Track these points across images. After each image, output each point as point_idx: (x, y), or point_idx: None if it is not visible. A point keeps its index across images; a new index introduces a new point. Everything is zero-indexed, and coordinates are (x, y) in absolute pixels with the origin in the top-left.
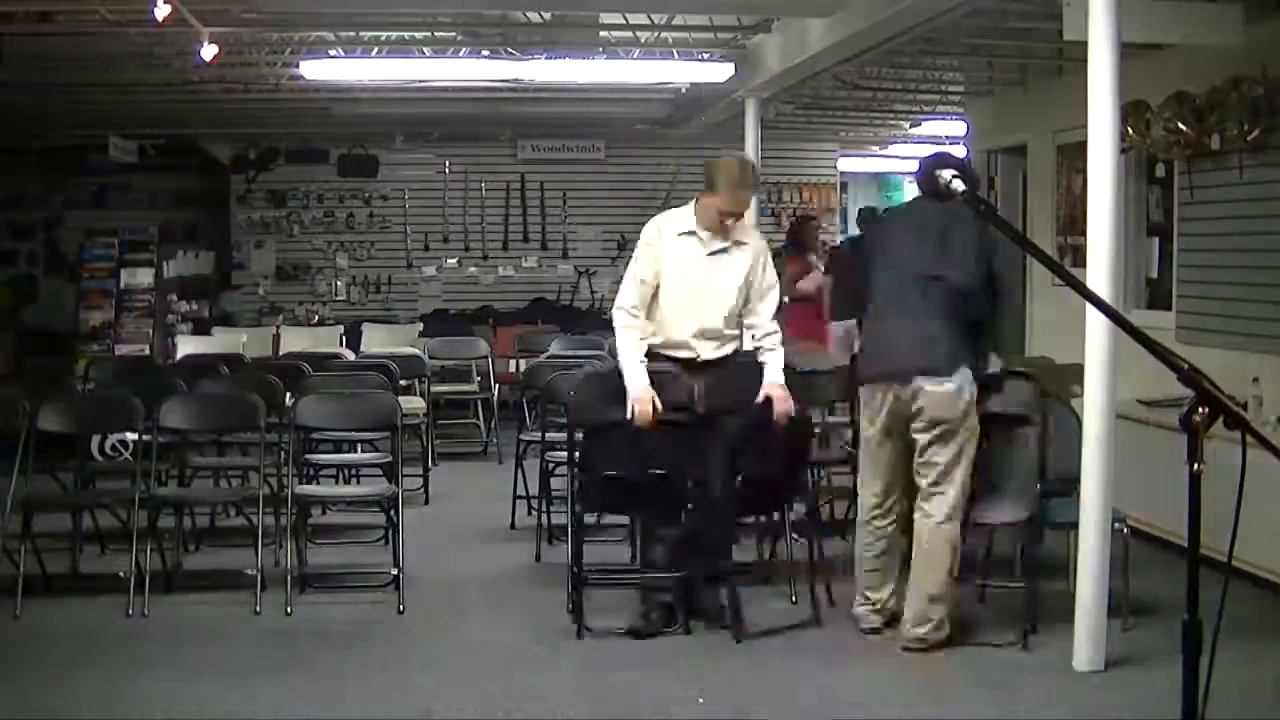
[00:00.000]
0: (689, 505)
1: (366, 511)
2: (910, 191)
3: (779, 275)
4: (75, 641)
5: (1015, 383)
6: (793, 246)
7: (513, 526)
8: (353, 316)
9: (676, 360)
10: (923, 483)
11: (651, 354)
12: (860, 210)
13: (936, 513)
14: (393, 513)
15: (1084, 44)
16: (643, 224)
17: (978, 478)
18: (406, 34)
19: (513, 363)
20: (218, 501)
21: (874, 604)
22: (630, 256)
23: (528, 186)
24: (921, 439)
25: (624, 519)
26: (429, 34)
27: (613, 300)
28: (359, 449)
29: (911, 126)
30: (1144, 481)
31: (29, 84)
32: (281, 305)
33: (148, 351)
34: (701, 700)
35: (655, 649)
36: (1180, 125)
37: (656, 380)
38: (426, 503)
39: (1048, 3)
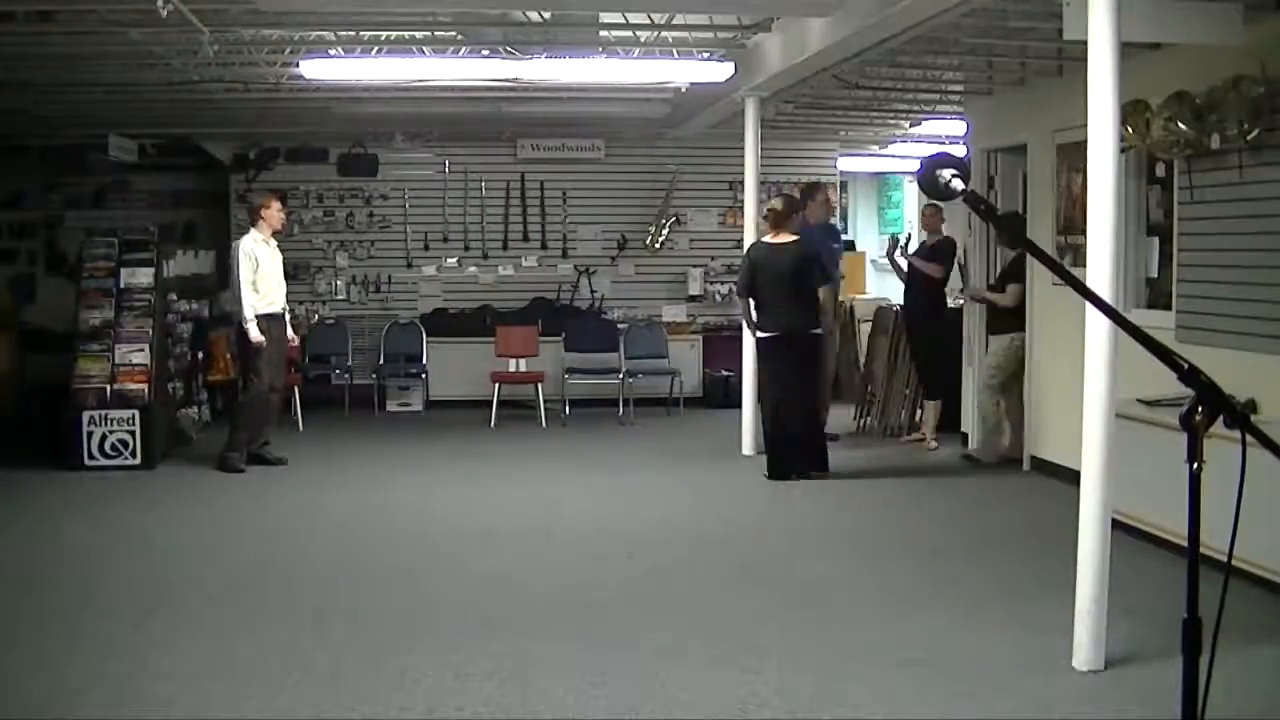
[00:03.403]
0: None
1: None
2: (910, 191)
3: None
4: None
5: None
6: None
7: None
8: (353, 316)
9: None
10: None
11: None
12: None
13: None
14: None
15: (1084, 44)
16: (642, 223)
17: None
18: (406, 34)
19: (513, 362)
20: None
21: None
22: (629, 255)
23: (528, 186)
24: None
25: None
26: (429, 34)
27: (612, 299)
28: None
29: (911, 126)
30: (1144, 481)
31: (29, 84)
32: None
33: None
34: None
35: None
36: (1180, 125)
37: None
38: None
39: (1048, 3)
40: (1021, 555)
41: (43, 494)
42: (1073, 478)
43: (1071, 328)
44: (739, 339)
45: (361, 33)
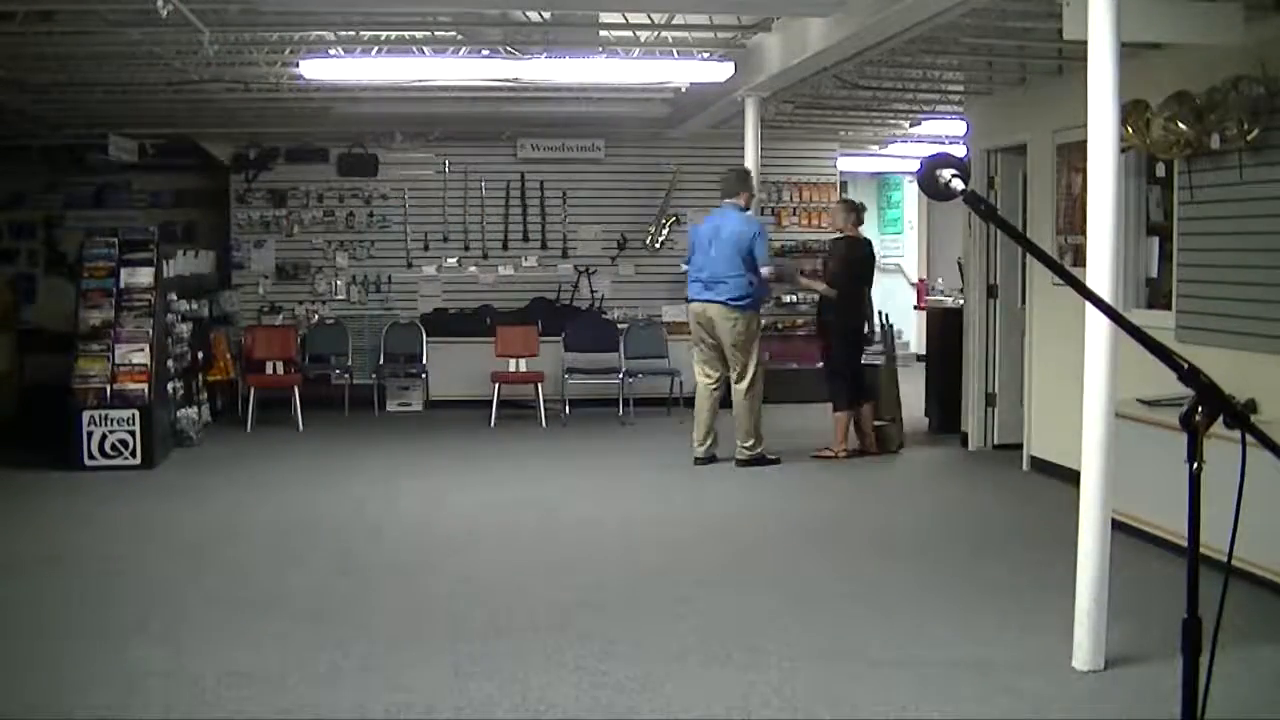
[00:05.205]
0: None
1: None
2: (910, 191)
3: None
4: None
5: None
6: None
7: None
8: (353, 316)
9: None
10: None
11: None
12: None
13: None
14: None
15: (1084, 44)
16: (642, 223)
17: None
18: (406, 34)
19: (513, 362)
20: None
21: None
22: (628, 255)
23: (528, 186)
24: None
25: None
26: (429, 34)
27: (612, 299)
28: None
29: (911, 126)
30: (1144, 481)
31: (29, 84)
32: (281, 305)
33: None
34: None
35: None
36: (1180, 125)
37: None
38: None
39: (1048, 3)
40: (1021, 555)
41: (43, 494)
42: (1073, 478)
43: (1070, 328)
44: None
45: (361, 33)
